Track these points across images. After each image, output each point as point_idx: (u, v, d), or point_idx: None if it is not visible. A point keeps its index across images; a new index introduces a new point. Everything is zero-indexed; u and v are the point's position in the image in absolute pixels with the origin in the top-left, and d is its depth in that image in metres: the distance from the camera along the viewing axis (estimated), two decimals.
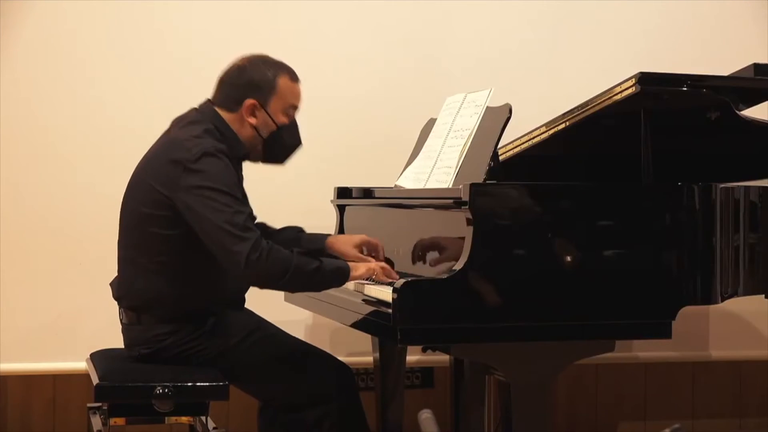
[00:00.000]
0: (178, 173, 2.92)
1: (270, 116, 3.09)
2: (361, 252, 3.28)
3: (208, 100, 3.14)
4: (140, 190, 3.04)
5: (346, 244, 3.31)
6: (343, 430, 3.05)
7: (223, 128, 3.06)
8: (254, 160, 3.20)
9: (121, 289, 3.10)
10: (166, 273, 3.01)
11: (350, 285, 3.17)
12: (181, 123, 3.10)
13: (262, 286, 3.01)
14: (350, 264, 3.07)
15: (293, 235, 3.41)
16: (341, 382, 3.09)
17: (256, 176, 4.06)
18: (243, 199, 3.03)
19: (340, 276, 3.02)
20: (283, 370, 3.07)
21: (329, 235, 3.40)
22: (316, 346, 3.24)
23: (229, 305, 3.13)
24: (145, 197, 3.01)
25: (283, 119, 3.11)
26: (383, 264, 3.15)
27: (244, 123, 3.09)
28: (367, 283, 3.09)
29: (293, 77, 3.14)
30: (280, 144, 3.15)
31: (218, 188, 2.90)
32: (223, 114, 3.09)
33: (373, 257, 3.25)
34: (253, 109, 3.08)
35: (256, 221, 3.39)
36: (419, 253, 3.20)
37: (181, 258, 3.00)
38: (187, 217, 2.93)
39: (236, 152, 3.07)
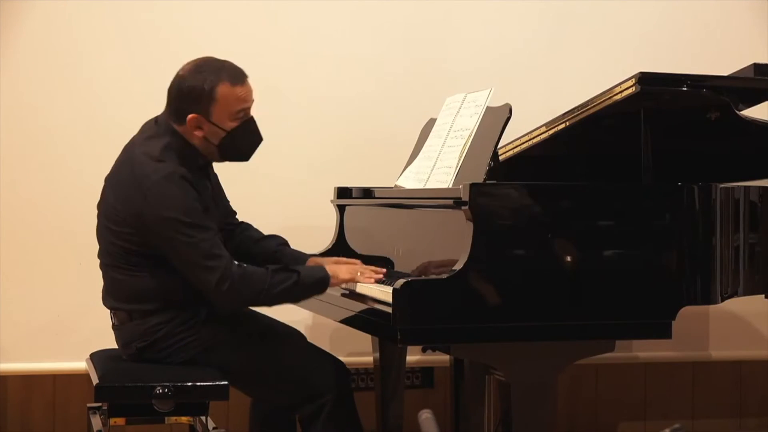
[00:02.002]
0: (139, 200, 2.93)
1: (216, 125, 3.02)
2: None
3: (165, 111, 3.10)
4: (104, 203, 3.08)
5: (325, 261, 3.30)
6: (336, 426, 3.05)
7: (178, 142, 3.03)
8: (218, 161, 3.16)
9: (110, 296, 3.11)
10: (146, 270, 3.01)
11: (350, 285, 3.17)
12: (143, 135, 3.08)
13: (237, 309, 3.05)
14: (331, 270, 3.08)
15: (274, 247, 3.39)
16: (335, 378, 3.08)
17: (256, 176, 4.06)
18: (206, 219, 2.97)
19: (320, 286, 3.06)
20: (277, 364, 3.07)
21: (311, 256, 3.41)
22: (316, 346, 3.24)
23: None
24: (109, 213, 3.04)
25: (231, 124, 3.03)
26: (370, 268, 3.17)
27: (194, 135, 3.04)
28: (367, 284, 3.09)
29: (234, 80, 3.01)
30: (234, 147, 3.08)
31: (178, 218, 2.90)
32: (176, 127, 3.04)
33: None
34: (197, 122, 3.01)
35: (242, 222, 3.40)
36: (419, 253, 3.20)
37: (153, 259, 3.01)
38: (153, 243, 2.95)
39: (195, 163, 3.05)
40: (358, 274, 3.12)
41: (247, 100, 3.06)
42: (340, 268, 3.12)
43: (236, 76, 3.03)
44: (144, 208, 2.92)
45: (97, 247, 3.14)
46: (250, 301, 3.00)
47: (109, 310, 3.15)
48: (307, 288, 3.03)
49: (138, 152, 3.02)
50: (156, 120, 3.10)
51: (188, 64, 3.06)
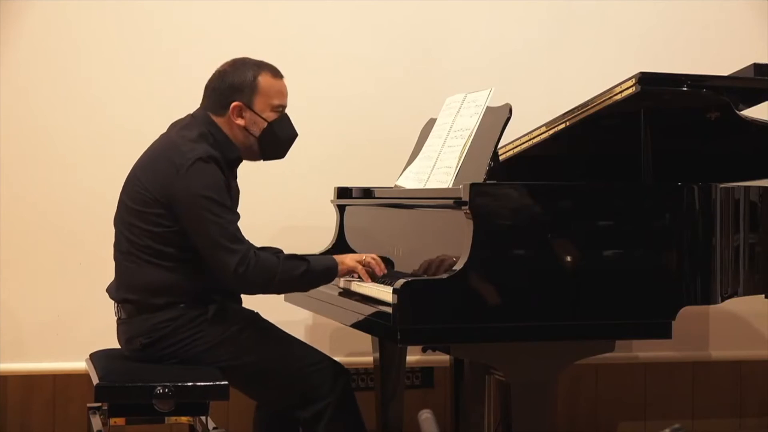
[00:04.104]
0: (171, 175, 3.00)
1: (257, 114, 3.14)
2: None
3: (201, 106, 3.20)
4: (131, 186, 3.11)
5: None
6: (339, 428, 3.06)
7: (216, 132, 3.13)
8: (253, 159, 3.24)
9: (119, 288, 3.11)
10: (161, 262, 3.04)
11: (351, 285, 3.18)
12: (177, 126, 3.18)
13: (248, 294, 3.11)
14: (338, 258, 3.14)
15: None
16: (335, 381, 3.08)
17: (256, 176, 4.06)
18: (233, 207, 3.09)
19: (329, 274, 3.11)
20: (279, 365, 3.07)
21: None
22: (316, 345, 3.24)
23: (229, 295, 3.14)
24: (136, 195, 3.07)
25: (271, 115, 3.16)
26: (373, 255, 3.20)
27: (234, 125, 3.14)
28: (367, 284, 3.09)
29: (275, 74, 3.19)
30: (274, 139, 3.19)
31: (209, 196, 2.97)
32: (215, 118, 3.15)
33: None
34: (239, 110, 3.13)
35: None
36: (420, 253, 3.20)
37: (172, 248, 3.04)
38: (180, 219, 2.99)
39: (229, 155, 3.13)
40: (363, 257, 3.16)
41: (285, 95, 3.21)
42: (345, 256, 3.18)
43: (275, 70, 3.20)
44: (176, 185, 2.98)
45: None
46: (262, 287, 3.04)
47: (114, 305, 3.15)
48: (316, 276, 3.09)
49: (174, 136, 3.12)
50: (192, 114, 3.19)
51: (227, 62, 3.20)
